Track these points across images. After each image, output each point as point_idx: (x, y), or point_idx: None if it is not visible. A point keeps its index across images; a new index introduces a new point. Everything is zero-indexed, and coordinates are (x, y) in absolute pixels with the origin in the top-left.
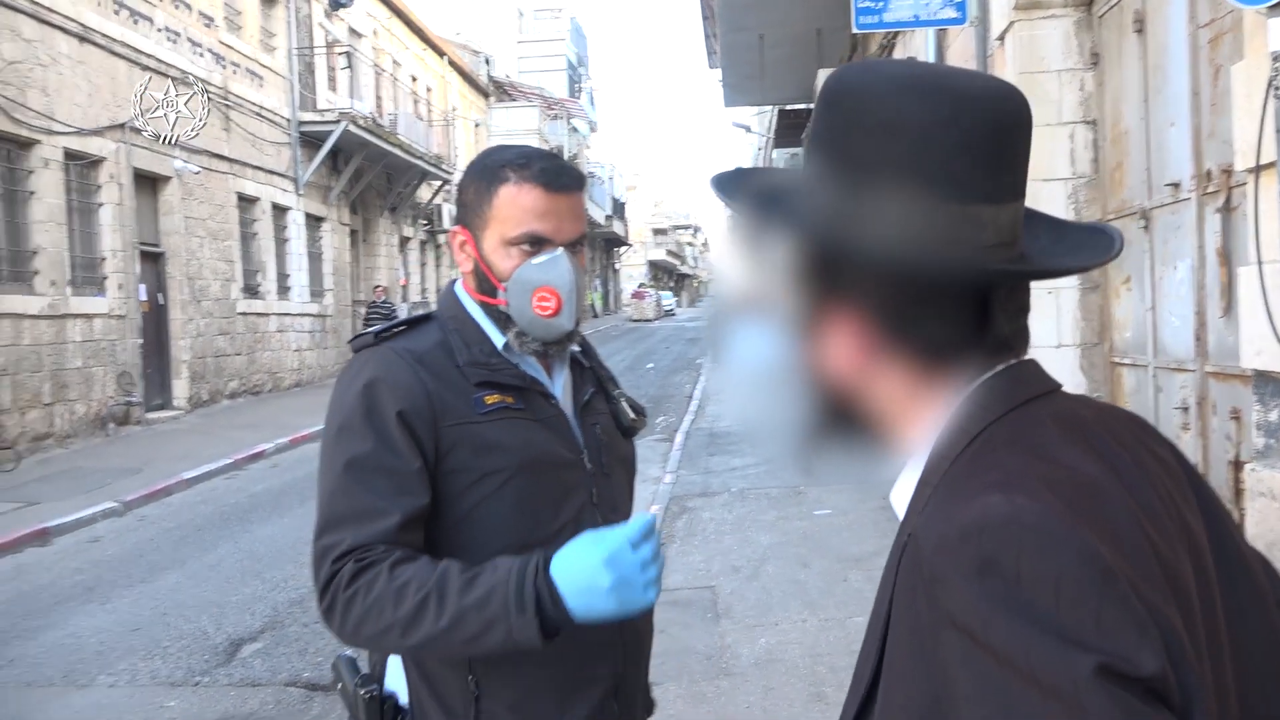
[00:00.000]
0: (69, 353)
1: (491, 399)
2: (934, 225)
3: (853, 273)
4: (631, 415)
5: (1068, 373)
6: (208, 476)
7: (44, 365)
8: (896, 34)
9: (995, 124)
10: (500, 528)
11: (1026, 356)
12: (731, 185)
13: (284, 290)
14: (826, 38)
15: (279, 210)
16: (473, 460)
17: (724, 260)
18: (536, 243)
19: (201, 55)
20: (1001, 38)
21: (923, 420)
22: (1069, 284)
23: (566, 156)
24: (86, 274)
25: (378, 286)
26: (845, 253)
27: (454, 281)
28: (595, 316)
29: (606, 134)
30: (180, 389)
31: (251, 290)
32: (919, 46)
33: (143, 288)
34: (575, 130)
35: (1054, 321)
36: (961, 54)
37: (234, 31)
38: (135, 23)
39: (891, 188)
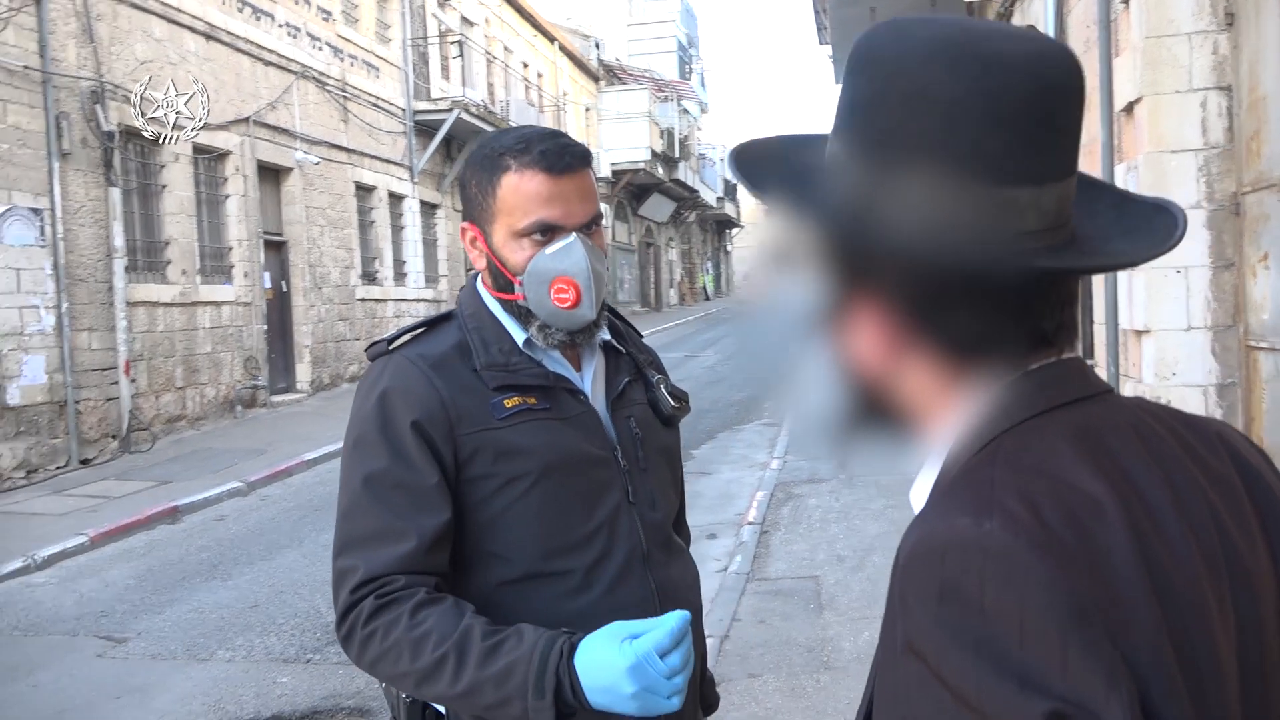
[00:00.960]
0: (199, 339)
1: (511, 402)
2: (965, 211)
3: (878, 261)
4: (673, 404)
5: (1197, 357)
6: (326, 458)
7: (176, 351)
8: (1014, 1)
9: (1037, 94)
10: (529, 532)
11: (1070, 354)
12: (752, 162)
13: (400, 276)
14: (941, 9)
15: (395, 198)
16: (494, 466)
17: (757, 245)
18: (547, 231)
19: (320, 49)
20: (1126, 0)
21: (948, 417)
22: (1199, 262)
23: (677, 138)
24: (214, 263)
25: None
26: (869, 240)
27: (476, 275)
28: (708, 299)
29: (718, 115)
30: (303, 373)
31: (369, 277)
32: (1038, 13)
33: (267, 276)
34: (686, 112)
35: (1182, 303)
36: (1083, 19)
37: (351, 24)
38: (257, 19)
39: (919, 168)
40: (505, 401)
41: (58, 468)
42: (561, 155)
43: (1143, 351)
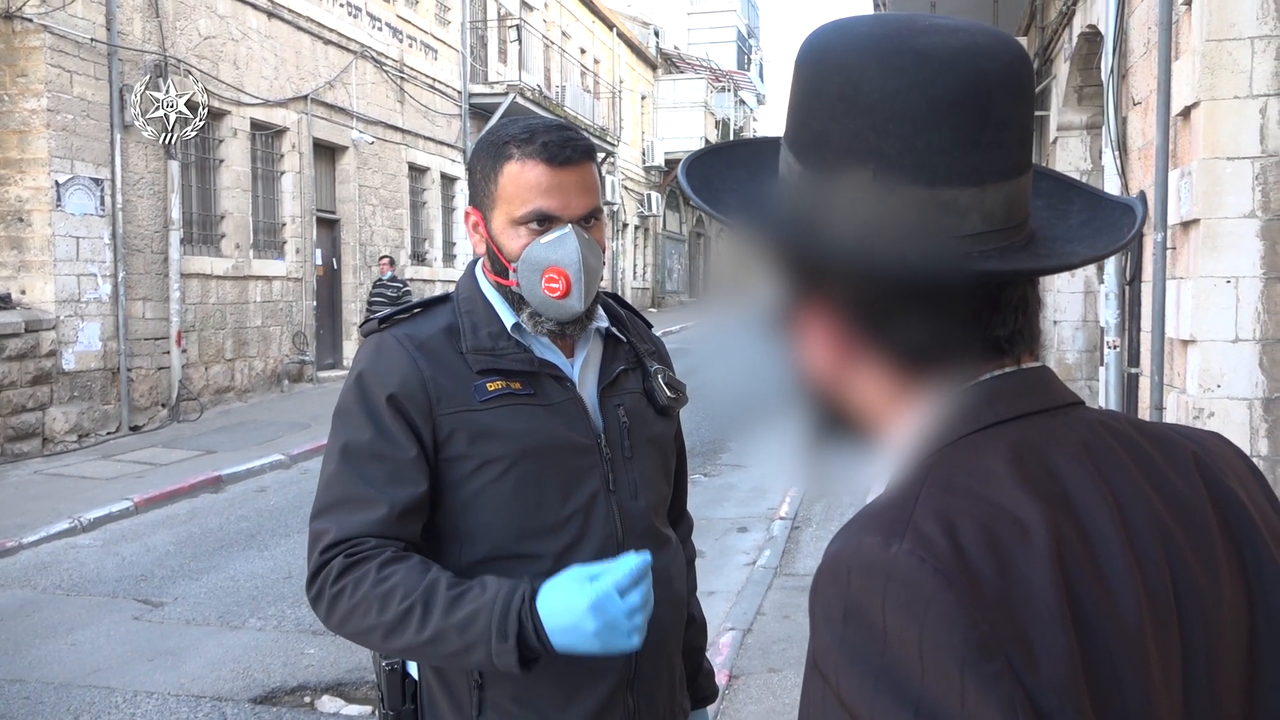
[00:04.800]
0: (250, 312)
1: (494, 385)
2: (902, 214)
3: (821, 269)
4: (669, 394)
5: (1244, 370)
6: None
7: (227, 323)
8: (1077, 0)
9: (969, 89)
10: (503, 515)
11: (1031, 364)
12: (707, 173)
13: (449, 258)
14: (1003, 4)
15: (447, 180)
16: (470, 448)
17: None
18: (544, 220)
19: (380, 29)
20: (1189, 1)
21: (900, 426)
22: (1250, 272)
23: (733, 129)
24: (268, 238)
25: (383, 258)
26: (810, 247)
27: (476, 260)
28: None
29: (775, 107)
30: (350, 350)
31: (419, 257)
32: (1101, 11)
33: (318, 252)
34: (743, 103)
35: (1230, 314)
36: (1145, 19)
37: (411, 6)
38: None
39: (853, 171)
40: (488, 385)
41: (108, 433)
42: (563, 147)
43: (1188, 362)
